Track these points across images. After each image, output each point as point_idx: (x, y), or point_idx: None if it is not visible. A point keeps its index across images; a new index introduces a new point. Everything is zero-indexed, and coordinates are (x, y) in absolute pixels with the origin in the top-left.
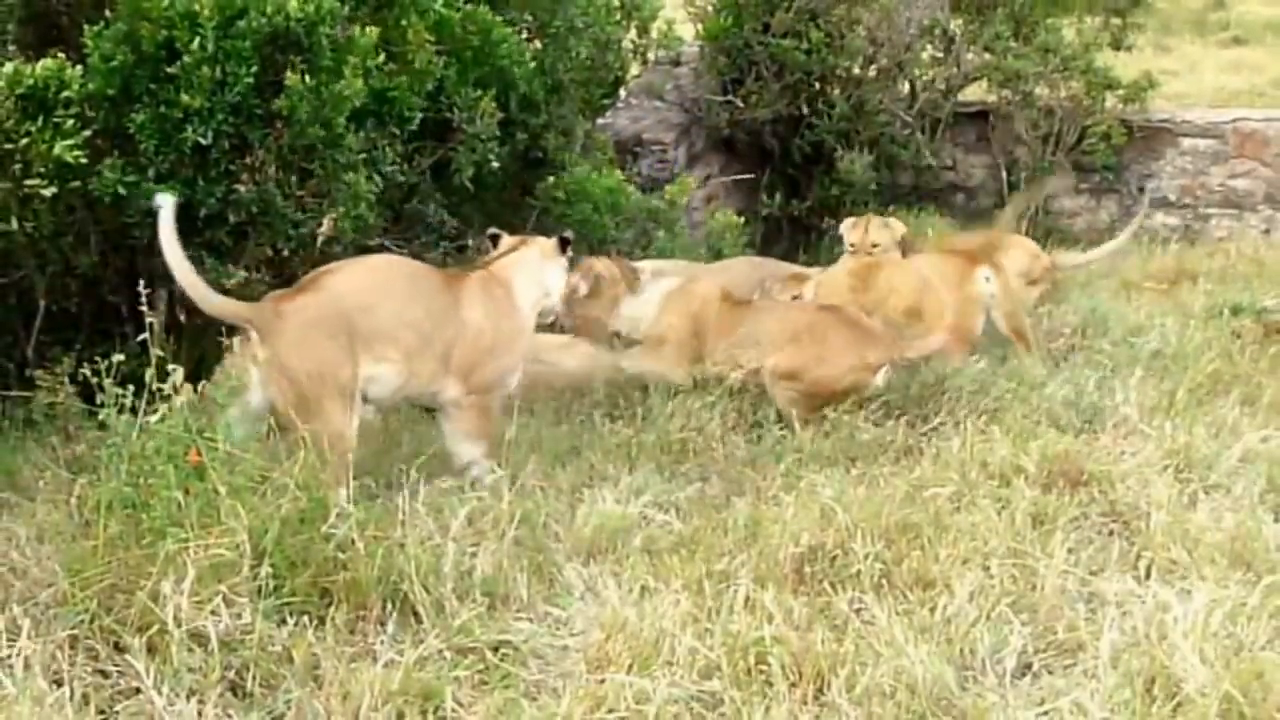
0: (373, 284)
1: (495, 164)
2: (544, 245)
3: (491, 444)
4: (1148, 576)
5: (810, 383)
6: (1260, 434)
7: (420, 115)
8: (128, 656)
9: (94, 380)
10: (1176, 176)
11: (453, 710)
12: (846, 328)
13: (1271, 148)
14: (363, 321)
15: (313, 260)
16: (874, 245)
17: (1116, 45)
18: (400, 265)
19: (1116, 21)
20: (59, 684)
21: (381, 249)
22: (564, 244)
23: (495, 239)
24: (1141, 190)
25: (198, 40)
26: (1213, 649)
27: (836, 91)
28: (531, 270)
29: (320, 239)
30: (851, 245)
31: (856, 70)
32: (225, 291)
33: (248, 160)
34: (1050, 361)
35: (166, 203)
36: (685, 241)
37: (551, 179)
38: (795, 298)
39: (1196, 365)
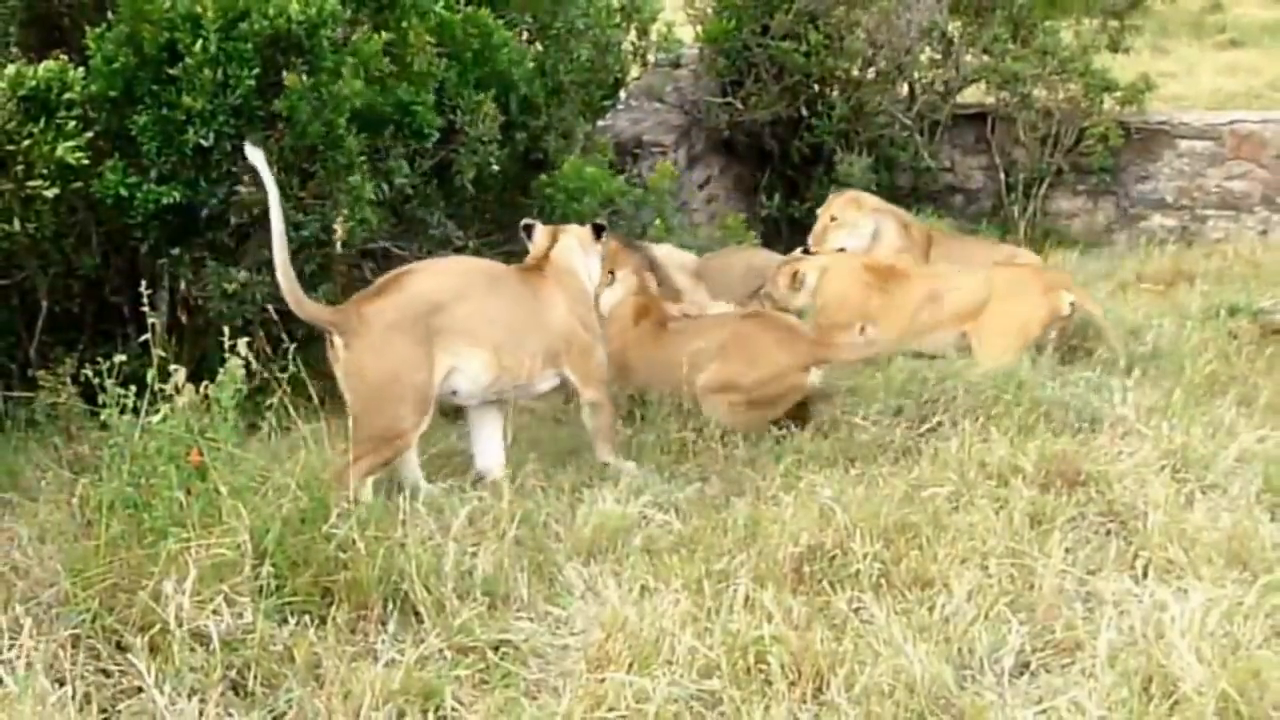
0: (452, 284)
1: (495, 166)
2: (581, 234)
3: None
4: (1145, 576)
5: (747, 390)
6: (1257, 434)
7: (432, 127)
8: (129, 656)
9: (96, 380)
10: (1174, 178)
11: (453, 709)
12: (772, 331)
13: (1268, 149)
14: (444, 321)
15: (317, 263)
16: (832, 219)
17: (1114, 48)
18: (477, 264)
19: (1114, 24)
20: (61, 683)
21: (383, 252)
22: (598, 231)
23: (529, 229)
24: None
25: (199, 43)
26: (1209, 648)
27: (836, 93)
28: (580, 257)
29: (338, 242)
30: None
31: (855, 72)
32: (229, 296)
33: (249, 162)
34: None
35: (257, 155)
36: (676, 229)
37: (543, 176)
38: (795, 278)
39: (1193, 366)
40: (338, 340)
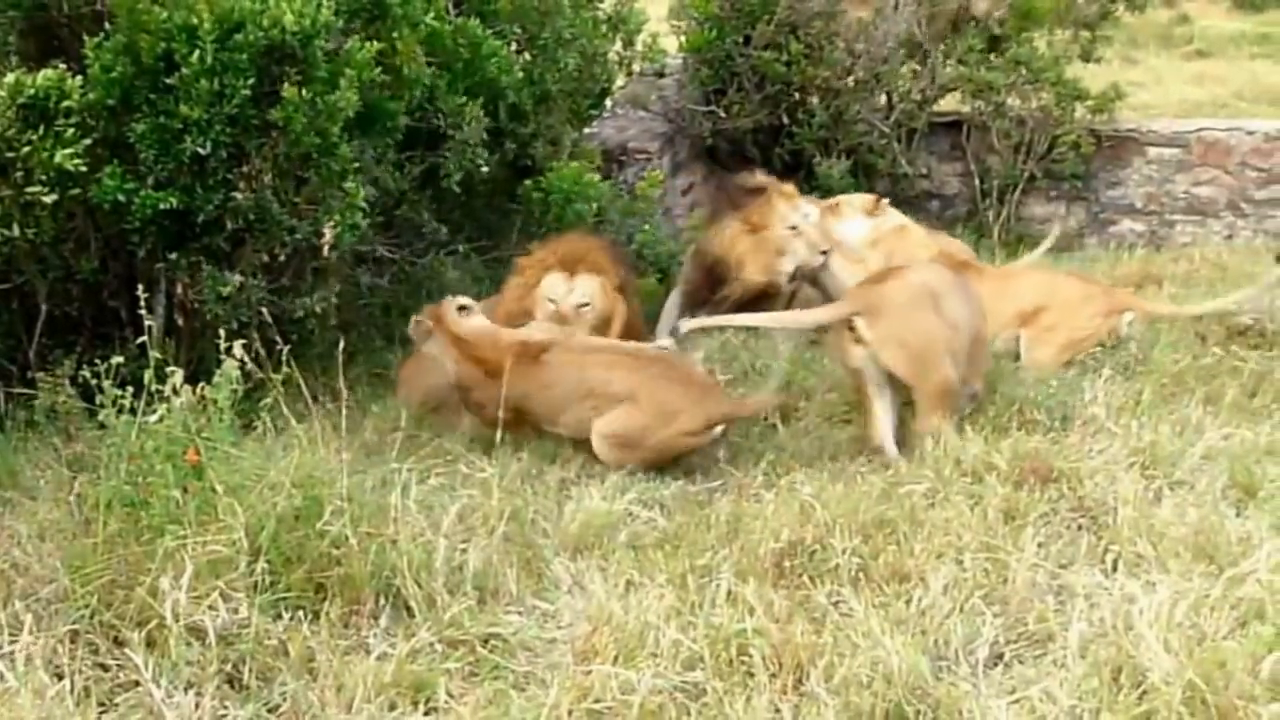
0: (937, 280)
1: (484, 169)
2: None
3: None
4: (1114, 569)
5: (648, 448)
6: (1222, 432)
7: (409, 123)
8: (127, 650)
9: (94, 382)
10: (1142, 184)
11: (444, 701)
12: (680, 385)
13: (1233, 156)
14: (941, 306)
15: (313, 268)
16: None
17: (1086, 58)
18: (939, 268)
19: (1086, 35)
20: (60, 677)
21: (375, 255)
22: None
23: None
24: None
25: (196, 53)
26: (1177, 639)
27: (816, 102)
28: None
29: (326, 247)
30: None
31: (835, 81)
32: (224, 299)
33: (245, 169)
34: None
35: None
36: (660, 235)
37: (528, 182)
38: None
39: (1162, 366)
40: (859, 322)
